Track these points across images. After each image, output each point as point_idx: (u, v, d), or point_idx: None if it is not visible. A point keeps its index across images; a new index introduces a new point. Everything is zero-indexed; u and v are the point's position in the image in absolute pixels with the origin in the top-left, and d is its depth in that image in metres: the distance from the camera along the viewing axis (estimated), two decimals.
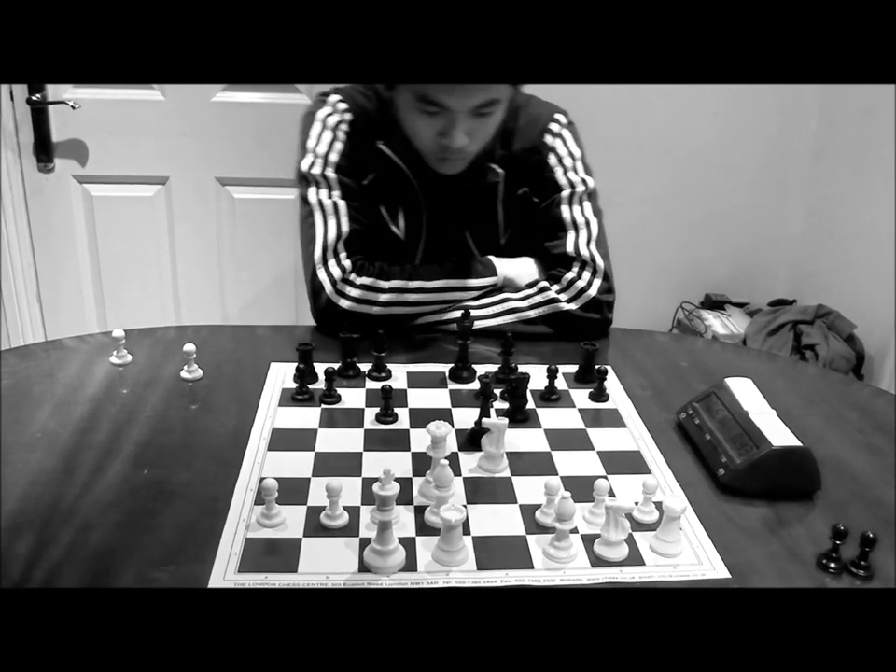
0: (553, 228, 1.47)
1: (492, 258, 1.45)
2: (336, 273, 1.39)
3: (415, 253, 1.48)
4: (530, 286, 1.44)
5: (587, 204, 1.47)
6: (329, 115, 1.46)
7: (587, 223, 1.46)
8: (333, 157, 1.44)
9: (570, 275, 1.43)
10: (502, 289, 1.45)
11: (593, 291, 1.43)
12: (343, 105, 1.46)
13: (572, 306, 1.42)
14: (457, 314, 1.33)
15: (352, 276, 1.39)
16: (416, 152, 1.41)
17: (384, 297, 1.39)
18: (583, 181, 1.47)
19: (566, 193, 1.46)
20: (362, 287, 1.39)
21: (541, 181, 1.47)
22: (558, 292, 1.42)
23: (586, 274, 1.43)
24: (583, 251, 1.44)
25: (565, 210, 1.46)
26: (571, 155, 1.48)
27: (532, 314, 1.42)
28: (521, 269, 1.46)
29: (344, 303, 1.39)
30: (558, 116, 1.50)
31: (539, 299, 1.42)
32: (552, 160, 1.47)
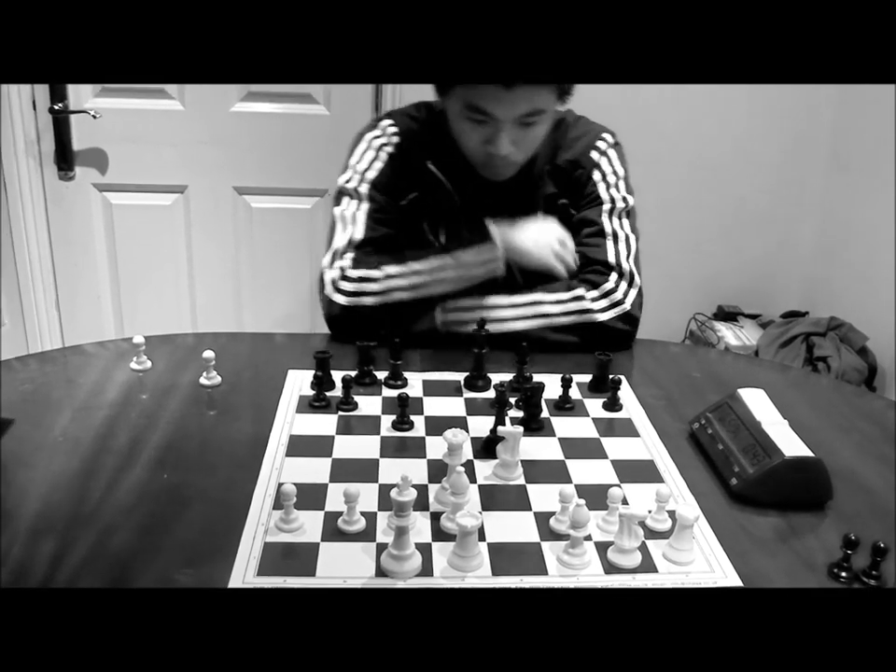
0: (592, 234, 1.48)
1: (490, 223, 1.42)
2: (336, 273, 1.43)
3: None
4: (567, 288, 1.43)
5: (626, 221, 1.49)
6: (377, 137, 1.51)
7: (627, 238, 1.47)
8: (370, 174, 1.47)
9: (609, 286, 1.44)
10: (533, 288, 1.43)
11: (627, 304, 1.44)
12: (392, 129, 1.50)
13: (605, 316, 1.43)
14: (473, 325, 1.33)
15: (348, 272, 1.42)
16: (461, 169, 1.44)
17: (377, 286, 1.40)
18: (624, 199, 1.49)
19: (606, 206, 1.48)
20: (357, 279, 1.41)
21: (582, 194, 1.50)
22: (593, 300, 1.42)
23: (623, 286, 1.44)
24: (624, 264, 1.45)
25: (605, 220, 1.48)
26: (615, 173, 1.50)
27: (563, 320, 1.41)
28: (531, 238, 1.43)
29: (341, 299, 1.41)
30: (606, 135, 1.52)
31: (572, 307, 1.42)
32: (595, 175, 1.49)
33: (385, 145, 1.49)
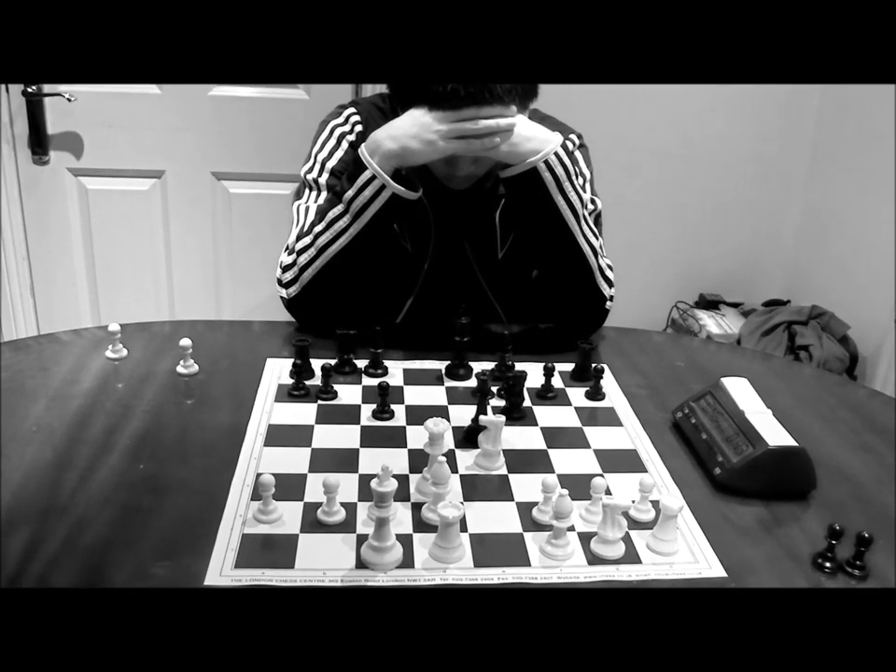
0: None
1: (364, 149, 1.31)
2: (278, 271, 1.41)
3: (423, 265, 1.46)
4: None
5: (592, 225, 1.43)
6: (340, 125, 1.47)
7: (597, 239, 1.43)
8: (331, 163, 1.44)
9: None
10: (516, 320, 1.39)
11: (609, 304, 1.43)
12: (355, 118, 1.47)
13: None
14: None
15: (279, 264, 1.41)
16: (421, 170, 1.38)
17: (303, 258, 1.36)
18: (592, 201, 1.46)
19: None
20: (285, 267, 1.40)
21: None
22: None
23: (605, 286, 1.41)
24: (605, 267, 1.42)
25: None
26: (581, 174, 1.46)
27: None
28: (405, 133, 1.28)
29: (283, 292, 1.40)
30: (572, 136, 1.49)
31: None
32: None
33: (347, 134, 1.46)
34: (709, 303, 2.87)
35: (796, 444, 1.03)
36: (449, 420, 1.15)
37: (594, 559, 0.91)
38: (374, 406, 1.17)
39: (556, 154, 1.29)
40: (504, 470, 1.06)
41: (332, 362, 1.24)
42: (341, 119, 1.48)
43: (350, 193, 1.30)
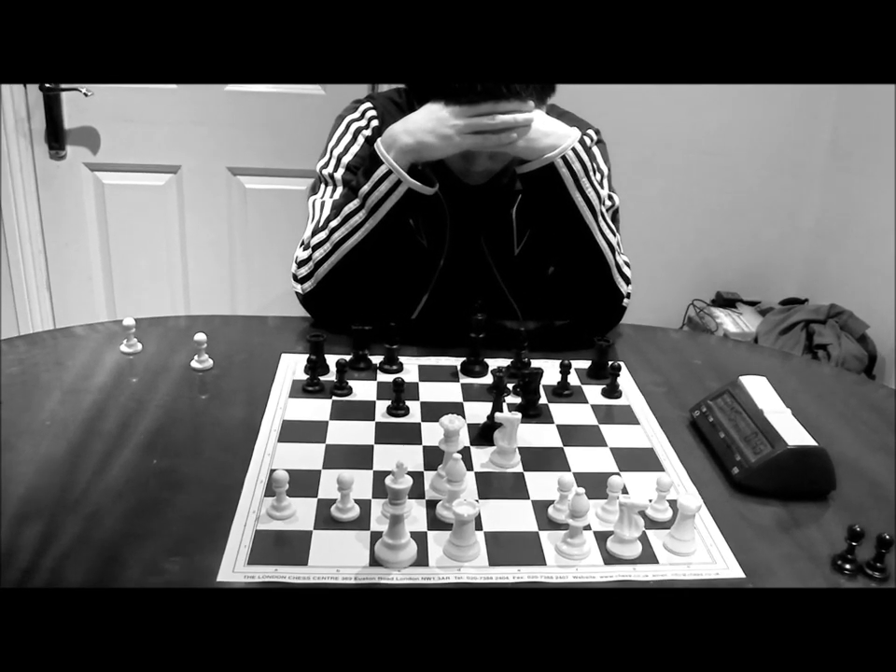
0: None
1: (379, 143, 1.30)
2: (293, 266, 1.41)
3: (439, 261, 1.46)
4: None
5: (609, 221, 1.42)
6: (356, 120, 1.47)
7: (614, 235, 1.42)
8: (346, 158, 1.43)
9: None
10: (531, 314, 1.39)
11: (626, 301, 1.42)
12: (371, 113, 1.47)
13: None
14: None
15: (294, 259, 1.41)
16: (437, 165, 1.37)
17: (318, 253, 1.35)
18: (609, 196, 1.45)
19: None
20: (300, 262, 1.39)
21: None
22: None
23: (622, 283, 1.40)
24: (622, 264, 1.41)
25: None
26: (599, 170, 1.44)
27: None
28: (420, 128, 1.28)
29: (299, 287, 1.40)
30: (590, 131, 1.48)
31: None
32: None
33: (363, 129, 1.45)
34: (726, 301, 2.85)
35: (816, 444, 1.02)
36: (464, 417, 1.15)
37: (610, 559, 0.90)
38: (389, 402, 1.16)
39: (574, 150, 1.28)
40: (520, 468, 1.05)
41: (347, 358, 1.24)
42: (357, 114, 1.47)
43: (366, 188, 1.29)
